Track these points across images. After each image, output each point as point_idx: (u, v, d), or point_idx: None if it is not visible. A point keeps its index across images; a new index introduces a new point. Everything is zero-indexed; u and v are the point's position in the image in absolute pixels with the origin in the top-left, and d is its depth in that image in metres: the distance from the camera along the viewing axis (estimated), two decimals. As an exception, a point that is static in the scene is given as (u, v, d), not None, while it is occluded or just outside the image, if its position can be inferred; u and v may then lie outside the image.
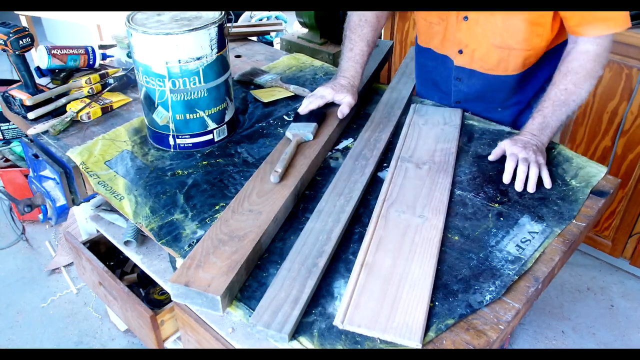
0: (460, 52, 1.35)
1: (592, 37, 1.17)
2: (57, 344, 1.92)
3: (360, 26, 1.38)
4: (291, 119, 1.39)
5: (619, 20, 1.15)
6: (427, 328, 0.83)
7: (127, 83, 1.55)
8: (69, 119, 1.37)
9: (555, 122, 1.20)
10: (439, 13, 1.33)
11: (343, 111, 1.31)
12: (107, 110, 1.45)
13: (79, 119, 1.40)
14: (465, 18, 1.28)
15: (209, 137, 1.29)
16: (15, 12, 2.88)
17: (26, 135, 1.38)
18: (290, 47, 2.46)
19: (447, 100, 1.47)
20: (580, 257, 2.24)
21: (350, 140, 1.32)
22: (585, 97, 1.20)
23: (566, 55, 1.22)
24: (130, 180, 1.19)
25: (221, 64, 1.24)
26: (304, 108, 1.32)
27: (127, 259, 1.70)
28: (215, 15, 1.21)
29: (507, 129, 1.33)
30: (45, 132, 1.36)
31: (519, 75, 1.32)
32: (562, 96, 1.20)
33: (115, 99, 1.48)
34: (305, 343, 0.82)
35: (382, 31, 2.56)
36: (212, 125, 1.28)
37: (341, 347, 0.81)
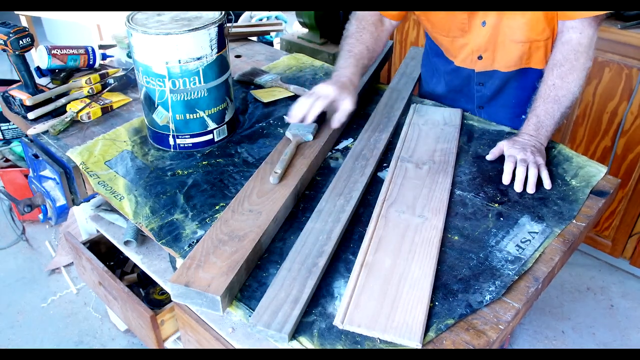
0: (480, 57, 1.34)
1: (576, 21, 1.17)
2: (57, 344, 1.92)
3: (358, 32, 1.36)
4: (291, 119, 1.39)
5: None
6: (427, 328, 0.83)
7: (127, 83, 1.55)
8: (69, 119, 1.37)
9: (550, 121, 1.20)
10: (461, 25, 1.30)
11: (340, 120, 1.24)
12: (107, 110, 1.45)
13: (79, 119, 1.40)
14: (484, 23, 1.27)
15: (209, 137, 1.29)
16: (15, 12, 2.88)
17: (26, 135, 1.38)
18: (290, 47, 2.46)
19: (472, 105, 1.46)
20: (580, 257, 2.24)
21: (350, 140, 1.32)
22: (576, 92, 1.20)
23: (553, 49, 1.23)
24: (130, 180, 1.19)
25: (221, 64, 1.24)
26: (308, 113, 1.21)
27: (127, 259, 1.70)
28: (215, 15, 1.21)
29: (507, 129, 1.33)
30: (45, 132, 1.36)
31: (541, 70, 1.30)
32: (551, 92, 1.20)
33: (115, 99, 1.48)
34: (305, 343, 0.82)
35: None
36: (212, 125, 1.28)
37: (341, 347, 0.81)
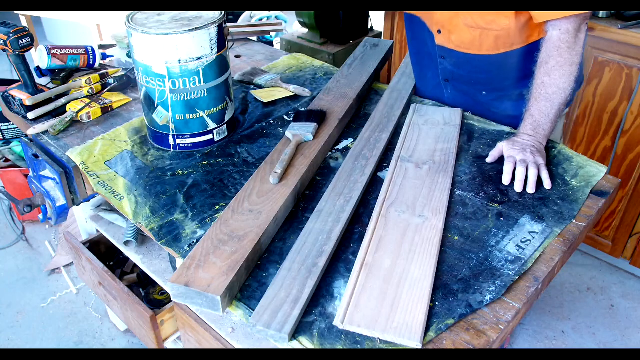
0: (439, 32, 1.35)
1: (552, 20, 1.17)
2: (57, 344, 1.92)
3: None
4: (291, 119, 1.39)
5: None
6: (427, 328, 0.83)
7: (127, 83, 1.55)
8: (68, 119, 1.37)
9: (545, 119, 1.20)
10: None
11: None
12: (107, 110, 1.45)
13: (79, 119, 1.40)
14: None
15: (209, 137, 1.29)
16: (15, 12, 2.88)
17: (26, 135, 1.38)
18: (290, 47, 2.46)
19: (437, 79, 1.47)
20: (580, 257, 2.24)
21: (350, 140, 1.32)
22: (566, 88, 1.19)
23: (540, 48, 1.23)
24: (130, 180, 1.19)
25: (221, 64, 1.24)
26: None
27: (127, 259, 1.70)
28: (215, 15, 1.21)
29: (507, 129, 1.33)
30: (45, 132, 1.36)
31: (496, 56, 1.31)
32: (541, 91, 1.20)
33: (115, 99, 1.48)
34: (305, 343, 0.82)
35: (382, 31, 2.56)
36: (212, 125, 1.28)
37: (341, 347, 0.81)
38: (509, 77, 1.35)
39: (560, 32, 1.18)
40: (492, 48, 1.31)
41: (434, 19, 1.34)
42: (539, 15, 1.19)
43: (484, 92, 1.41)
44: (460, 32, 1.31)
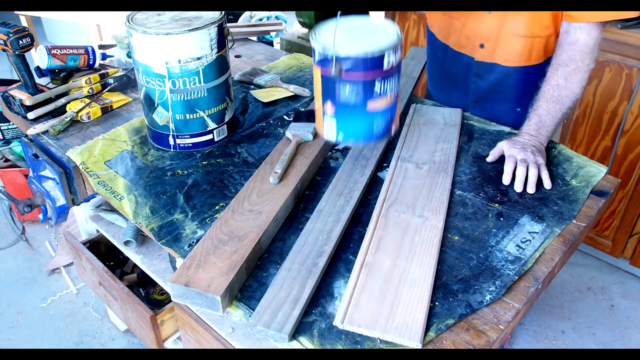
0: (482, 46, 1.31)
1: (584, 22, 1.16)
2: (57, 344, 1.92)
3: None
4: (291, 119, 1.39)
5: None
6: (427, 328, 0.83)
7: (127, 83, 1.55)
8: (68, 119, 1.37)
9: (551, 121, 1.20)
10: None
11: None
12: (107, 110, 1.45)
13: (79, 119, 1.40)
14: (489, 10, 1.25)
15: (209, 137, 1.29)
16: (15, 12, 2.88)
17: (26, 135, 1.38)
18: (290, 47, 2.46)
19: (465, 100, 1.44)
20: (580, 257, 2.24)
21: (350, 140, 1.32)
22: (578, 93, 1.20)
23: (557, 48, 1.22)
24: (130, 180, 1.19)
25: (221, 64, 1.24)
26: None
27: (127, 259, 1.70)
28: (215, 15, 1.21)
29: (507, 129, 1.33)
30: (45, 132, 1.36)
31: (541, 65, 1.30)
32: (554, 93, 1.19)
33: (115, 99, 1.48)
34: (305, 343, 0.82)
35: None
36: (212, 125, 1.28)
37: (341, 347, 0.81)
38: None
39: (587, 37, 1.16)
40: (541, 56, 1.28)
41: (477, 32, 1.29)
42: (580, 16, 1.15)
43: (518, 109, 1.37)
44: (509, 44, 1.27)
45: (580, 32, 1.17)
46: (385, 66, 0.94)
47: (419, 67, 1.64)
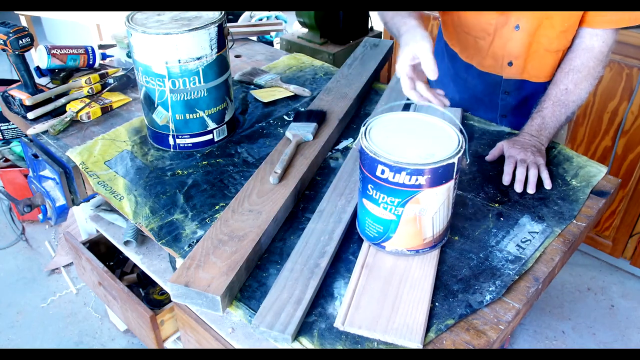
0: (510, 64, 1.27)
1: (599, 29, 1.14)
2: (57, 344, 1.92)
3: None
4: (291, 119, 1.39)
5: (632, 15, 1.12)
6: (428, 329, 0.83)
7: (127, 83, 1.55)
8: (68, 119, 1.37)
9: (554, 123, 1.19)
10: (486, 26, 1.24)
11: (433, 69, 1.01)
12: (107, 110, 1.45)
13: (79, 119, 1.40)
14: (517, 27, 1.21)
15: (209, 137, 1.29)
16: (15, 12, 2.88)
17: (26, 135, 1.38)
18: (290, 47, 2.46)
19: (492, 115, 1.40)
20: (581, 257, 2.24)
21: (350, 140, 1.32)
22: (584, 98, 1.19)
23: (570, 52, 1.20)
24: (130, 180, 1.19)
25: (221, 64, 1.23)
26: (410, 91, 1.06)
27: (127, 259, 1.70)
28: (215, 15, 1.21)
29: (507, 129, 1.33)
30: (45, 132, 1.35)
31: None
32: (562, 96, 1.19)
33: (115, 99, 1.48)
34: (305, 343, 0.82)
35: (382, 31, 2.56)
36: (212, 125, 1.28)
37: (341, 347, 0.81)
38: None
39: (603, 44, 1.15)
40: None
41: (505, 50, 1.26)
42: (599, 23, 1.13)
43: None
44: (539, 60, 1.24)
45: (597, 39, 1.16)
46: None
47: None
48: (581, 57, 1.18)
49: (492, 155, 1.21)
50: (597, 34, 1.16)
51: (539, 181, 1.13)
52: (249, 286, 0.92)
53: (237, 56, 1.80)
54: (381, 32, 2.57)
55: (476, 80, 1.37)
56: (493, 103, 1.39)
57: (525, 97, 1.34)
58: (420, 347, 0.80)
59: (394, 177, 0.84)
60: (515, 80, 1.31)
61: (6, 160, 2.38)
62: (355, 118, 1.41)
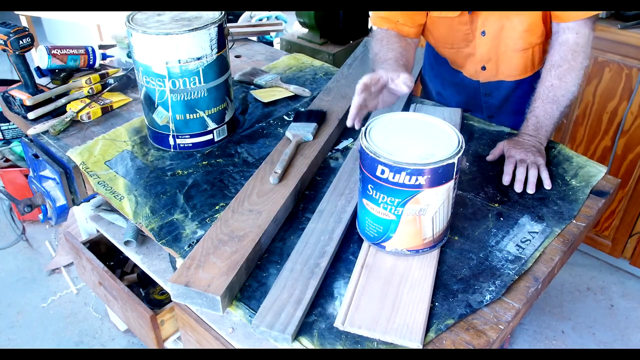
0: (484, 68, 1.33)
1: (570, 22, 1.17)
2: (57, 344, 1.92)
3: (386, 45, 1.25)
4: (291, 119, 1.39)
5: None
6: (427, 328, 0.83)
7: (127, 83, 1.55)
8: (69, 119, 1.37)
9: (549, 121, 1.20)
10: (464, 36, 1.30)
11: (408, 85, 1.05)
12: (107, 110, 1.45)
13: (79, 119, 1.40)
14: (483, 33, 1.26)
15: (209, 137, 1.29)
16: (15, 12, 2.88)
17: (26, 135, 1.38)
18: (290, 47, 2.46)
19: (481, 116, 1.45)
20: (580, 257, 2.24)
21: (350, 140, 1.32)
22: (574, 91, 1.20)
23: (549, 49, 1.23)
24: (130, 180, 1.19)
25: (221, 64, 1.24)
26: (354, 113, 1.07)
27: (127, 259, 1.70)
28: (215, 15, 1.21)
29: (507, 129, 1.33)
30: (45, 132, 1.36)
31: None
32: (549, 93, 1.20)
33: (115, 99, 1.48)
34: (305, 343, 0.82)
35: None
36: (212, 125, 1.28)
37: (341, 347, 0.81)
38: None
39: (577, 36, 1.17)
40: (540, 61, 1.29)
41: (477, 56, 1.31)
42: (566, 16, 1.17)
43: None
44: (509, 60, 1.29)
45: (569, 32, 1.18)
46: None
47: (418, 67, 1.65)
48: (559, 52, 1.20)
49: (492, 155, 1.21)
50: (568, 27, 1.18)
51: (539, 181, 1.13)
52: (249, 286, 0.92)
53: (237, 56, 1.81)
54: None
55: (460, 86, 1.45)
56: (477, 106, 1.46)
57: (505, 97, 1.40)
58: (420, 347, 0.80)
59: (394, 177, 0.84)
60: (492, 82, 1.37)
61: (7, 160, 2.39)
62: (355, 118, 1.41)
